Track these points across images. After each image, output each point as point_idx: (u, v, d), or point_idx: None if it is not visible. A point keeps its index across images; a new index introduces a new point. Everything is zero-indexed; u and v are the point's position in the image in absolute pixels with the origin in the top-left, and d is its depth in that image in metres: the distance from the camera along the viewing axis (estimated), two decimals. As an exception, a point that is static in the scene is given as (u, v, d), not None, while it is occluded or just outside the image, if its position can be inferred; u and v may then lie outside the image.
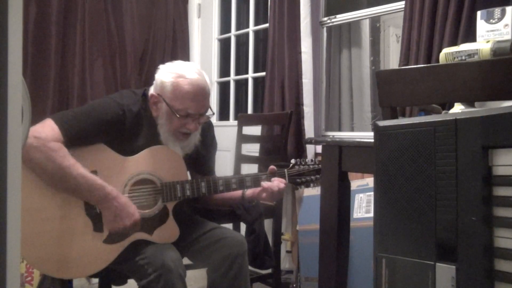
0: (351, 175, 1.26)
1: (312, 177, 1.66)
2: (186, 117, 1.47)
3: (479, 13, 1.32)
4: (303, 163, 1.66)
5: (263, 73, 2.95)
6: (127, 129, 1.47)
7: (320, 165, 1.64)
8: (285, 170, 1.63)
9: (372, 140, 0.86)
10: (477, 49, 1.20)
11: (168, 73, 1.48)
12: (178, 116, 1.46)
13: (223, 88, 3.60)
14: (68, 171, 1.33)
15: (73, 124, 1.38)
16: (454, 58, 1.25)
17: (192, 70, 1.50)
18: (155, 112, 1.51)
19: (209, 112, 1.56)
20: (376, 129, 0.85)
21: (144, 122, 1.51)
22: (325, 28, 2.85)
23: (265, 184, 1.57)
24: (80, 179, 1.34)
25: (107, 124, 1.43)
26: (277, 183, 1.57)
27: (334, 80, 3.34)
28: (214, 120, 3.43)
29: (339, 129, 3.34)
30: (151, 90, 1.51)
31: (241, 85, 3.49)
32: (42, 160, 1.31)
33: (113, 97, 1.50)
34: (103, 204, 1.38)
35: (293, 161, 1.67)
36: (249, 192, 1.64)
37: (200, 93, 1.47)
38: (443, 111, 1.33)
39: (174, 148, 1.51)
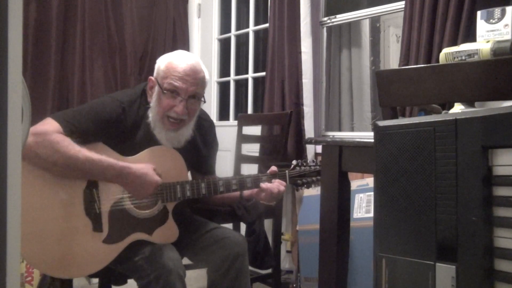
0: (351, 175, 1.26)
1: (313, 178, 1.65)
2: (174, 97, 1.46)
3: (479, 13, 1.32)
4: (304, 164, 1.66)
5: (263, 73, 2.95)
6: (127, 128, 1.48)
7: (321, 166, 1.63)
8: (286, 171, 1.63)
9: (372, 140, 0.86)
10: (477, 49, 1.20)
11: (165, 57, 1.52)
12: (165, 92, 1.46)
13: (223, 88, 3.60)
14: (76, 159, 1.33)
15: (73, 123, 1.38)
16: (454, 58, 1.24)
17: (190, 55, 1.53)
18: (150, 97, 1.51)
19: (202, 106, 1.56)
20: (376, 129, 0.85)
21: (143, 118, 1.51)
22: (325, 28, 2.84)
23: (264, 185, 1.56)
24: (89, 163, 1.35)
25: (107, 123, 1.43)
26: (277, 185, 1.57)
27: (334, 80, 3.33)
28: (214, 120, 3.44)
29: (339, 129, 3.34)
30: None
31: (241, 85, 3.49)
32: (48, 154, 1.31)
33: (113, 96, 1.51)
34: (119, 181, 1.40)
35: (294, 162, 1.66)
36: (247, 191, 1.64)
37: (189, 73, 1.46)
38: (443, 111, 1.33)
39: (160, 136, 1.50)
